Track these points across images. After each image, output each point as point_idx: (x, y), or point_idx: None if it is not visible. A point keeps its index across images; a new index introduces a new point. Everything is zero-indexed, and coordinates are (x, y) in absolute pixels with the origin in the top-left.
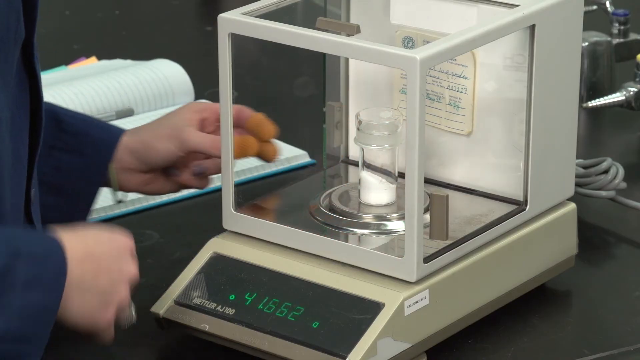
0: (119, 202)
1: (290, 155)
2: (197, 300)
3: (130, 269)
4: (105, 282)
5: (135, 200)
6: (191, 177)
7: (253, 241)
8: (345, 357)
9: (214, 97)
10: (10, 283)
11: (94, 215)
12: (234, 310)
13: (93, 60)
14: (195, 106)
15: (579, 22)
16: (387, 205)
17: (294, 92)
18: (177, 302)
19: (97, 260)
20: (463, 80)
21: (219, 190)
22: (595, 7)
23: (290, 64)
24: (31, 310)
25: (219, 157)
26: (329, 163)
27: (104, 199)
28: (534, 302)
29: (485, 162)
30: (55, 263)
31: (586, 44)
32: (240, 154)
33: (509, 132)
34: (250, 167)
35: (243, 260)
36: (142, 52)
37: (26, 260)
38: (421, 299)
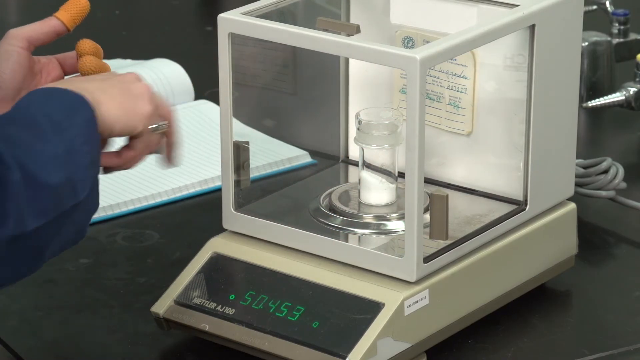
0: None
1: (290, 155)
2: (197, 300)
3: (143, 86)
4: (125, 86)
5: (135, 200)
6: None
7: (253, 241)
8: (345, 357)
9: (214, 97)
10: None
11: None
12: (234, 310)
13: None
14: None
15: (579, 22)
16: (387, 205)
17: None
18: (177, 302)
19: (99, 79)
20: (463, 80)
21: (219, 190)
22: (595, 7)
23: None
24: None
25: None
26: (329, 163)
27: (103, 198)
28: (533, 302)
29: (485, 162)
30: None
31: (586, 43)
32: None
33: (509, 132)
34: (251, 167)
35: (243, 260)
36: (142, 51)
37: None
38: (421, 299)
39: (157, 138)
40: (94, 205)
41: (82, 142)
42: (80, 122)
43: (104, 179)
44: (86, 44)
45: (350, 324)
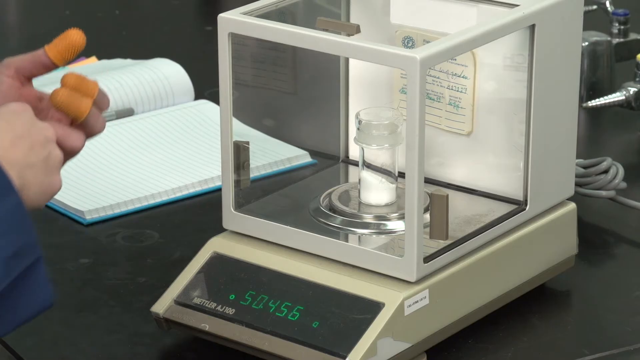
0: None
1: (290, 155)
2: (197, 300)
3: (45, 125)
4: (45, 155)
5: (135, 200)
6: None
7: (253, 241)
8: (345, 357)
9: (214, 97)
10: None
11: (93, 216)
12: (234, 310)
13: (93, 60)
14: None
15: (579, 21)
16: (387, 205)
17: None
18: (177, 302)
19: (22, 136)
20: (463, 80)
21: (219, 190)
22: (595, 6)
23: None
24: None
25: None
26: (329, 163)
27: (103, 198)
28: (533, 302)
29: (485, 162)
30: None
31: (586, 43)
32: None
33: (509, 132)
34: (251, 167)
35: (243, 260)
36: (142, 51)
37: None
38: (421, 299)
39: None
40: (36, 297)
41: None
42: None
43: (104, 179)
44: (68, 78)
45: (350, 324)
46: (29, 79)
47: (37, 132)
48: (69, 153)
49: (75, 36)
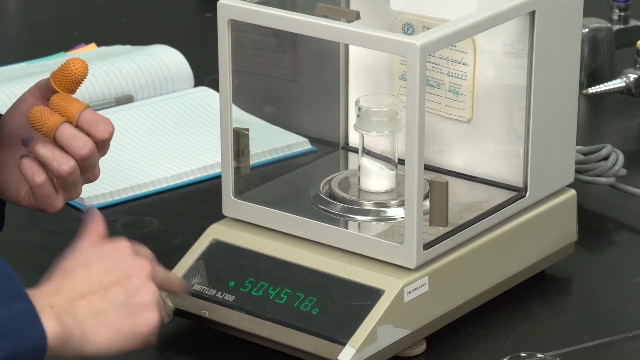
0: None
1: (290, 142)
2: (197, 287)
3: (138, 264)
4: (119, 292)
5: (134, 187)
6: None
7: (253, 228)
8: (345, 344)
9: (214, 84)
10: None
11: (92, 202)
12: (233, 297)
13: (92, 46)
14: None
15: (579, 8)
16: (387, 191)
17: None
18: None
19: (97, 285)
20: (463, 66)
21: (218, 177)
22: None
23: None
24: None
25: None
26: (329, 150)
27: (103, 185)
28: (533, 289)
29: (485, 149)
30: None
31: (586, 30)
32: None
33: (509, 118)
34: (250, 154)
35: (243, 247)
36: (142, 38)
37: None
38: (421, 286)
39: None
40: None
41: None
42: (4, 318)
43: (103, 166)
44: (53, 98)
45: (350, 311)
46: (49, 99)
47: (121, 274)
48: (57, 177)
49: (74, 67)
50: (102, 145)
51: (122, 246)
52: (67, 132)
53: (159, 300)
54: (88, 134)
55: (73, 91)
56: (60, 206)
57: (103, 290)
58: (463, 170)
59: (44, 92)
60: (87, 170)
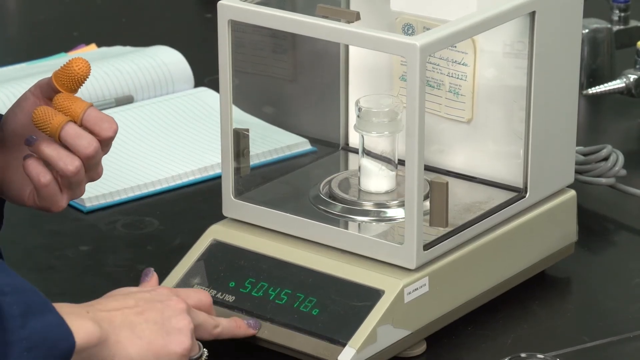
0: None
1: (290, 142)
2: (197, 287)
3: (176, 300)
4: (155, 314)
5: (135, 187)
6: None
7: (253, 228)
8: (345, 344)
9: (214, 85)
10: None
11: (93, 203)
12: (233, 298)
13: (93, 47)
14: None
15: (579, 8)
16: (387, 192)
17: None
18: None
19: (133, 306)
20: (463, 67)
21: (219, 178)
22: None
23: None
24: None
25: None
26: (329, 150)
27: (103, 186)
28: (533, 289)
29: (485, 150)
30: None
31: (586, 30)
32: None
33: (509, 119)
34: (251, 154)
35: (243, 247)
36: (142, 39)
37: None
38: (421, 286)
39: None
40: None
41: None
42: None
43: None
44: (56, 98)
45: (350, 311)
46: (51, 99)
47: (158, 305)
48: (62, 177)
49: (77, 67)
50: (105, 144)
51: (177, 301)
52: (72, 132)
53: (193, 331)
54: (92, 133)
55: (75, 91)
56: (65, 205)
57: (140, 311)
58: (463, 170)
59: (46, 91)
60: (91, 169)
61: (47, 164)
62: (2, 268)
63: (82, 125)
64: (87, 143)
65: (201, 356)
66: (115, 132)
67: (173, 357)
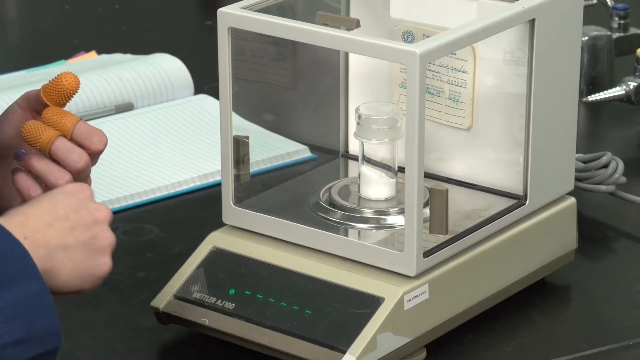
0: None
1: (290, 149)
2: (197, 295)
3: (101, 208)
4: (83, 231)
5: (135, 195)
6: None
7: (253, 236)
8: (345, 352)
9: (214, 92)
10: None
11: None
12: (233, 305)
13: (93, 54)
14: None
15: (578, 16)
16: (386, 199)
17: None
18: (177, 297)
19: (64, 217)
20: (463, 74)
21: (218, 185)
22: (595, 1)
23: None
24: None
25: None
26: (329, 157)
27: (103, 193)
28: (533, 297)
29: (485, 157)
30: (16, 256)
31: (586, 38)
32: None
33: (509, 126)
34: (250, 161)
35: (243, 254)
36: (142, 46)
37: None
38: (421, 294)
39: None
40: None
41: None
42: (16, 300)
43: (103, 174)
44: (45, 112)
45: (350, 319)
46: (38, 112)
47: (85, 214)
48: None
49: (66, 82)
50: (94, 156)
51: (85, 187)
52: (62, 147)
53: (113, 246)
54: (82, 146)
55: (64, 105)
56: None
57: (71, 226)
58: (463, 178)
59: (33, 104)
60: (81, 182)
61: (37, 177)
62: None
63: (72, 139)
64: (78, 157)
65: None
66: (105, 145)
67: (95, 280)
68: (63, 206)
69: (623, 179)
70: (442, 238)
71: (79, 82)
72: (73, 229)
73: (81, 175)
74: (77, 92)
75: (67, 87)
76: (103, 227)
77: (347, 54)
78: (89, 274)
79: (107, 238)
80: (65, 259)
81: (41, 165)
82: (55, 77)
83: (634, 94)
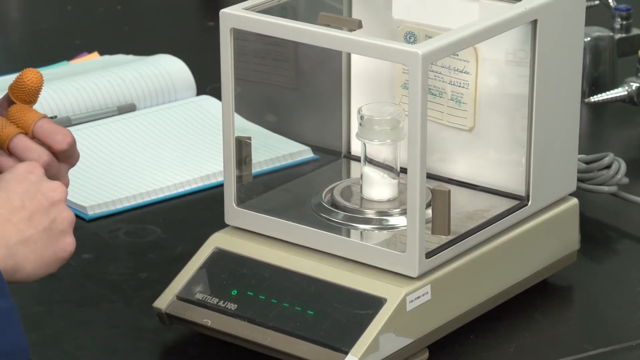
0: None
1: (292, 150)
2: (199, 296)
3: (55, 187)
4: (42, 217)
5: (137, 196)
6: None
7: (255, 236)
8: (347, 352)
9: (216, 93)
10: None
11: (95, 211)
12: (236, 306)
13: (95, 55)
14: None
15: (581, 17)
16: (389, 200)
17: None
18: (180, 298)
19: (20, 208)
20: (465, 75)
21: (221, 186)
22: (597, 2)
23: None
24: None
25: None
26: (331, 158)
27: (105, 194)
28: (535, 298)
29: (487, 158)
30: None
31: (588, 39)
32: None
33: (511, 127)
34: (253, 162)
35: (245, 255)
36: (144, 47)
37: None
38: (423, 294)
39: None
40: None
41: None
42: None
43: (105, 175)
44: (10, 109)
45: (353, 319)
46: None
47: (41, 198)
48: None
49: (27, 79)
50: (65, 156)
51: (35, 166)
52: (20, 144)
53: (73, 222)
54: (45, 145)
55: (31, 102)
56: None
57: (28, 216)
58: (465, 178)
59: (5, 102)
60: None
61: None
62: None
63: (33, 137)
64: (36, 156)
65: None
66: (70, 145)
67: (61, 262)
68: (17, 195)
69: (625, 180)
70: (444, 239)
71: (41, 78)
72: (31, 219)
73: (47, 174)
74: (40, 88)
75: (28, 84)
76: (60, 207)
77: (349, 55)
78: (54, 259)
79: (66, 218)
80: (28, 252)
81: (3, 161)
82: (19, 75)
83: (636, 95)
